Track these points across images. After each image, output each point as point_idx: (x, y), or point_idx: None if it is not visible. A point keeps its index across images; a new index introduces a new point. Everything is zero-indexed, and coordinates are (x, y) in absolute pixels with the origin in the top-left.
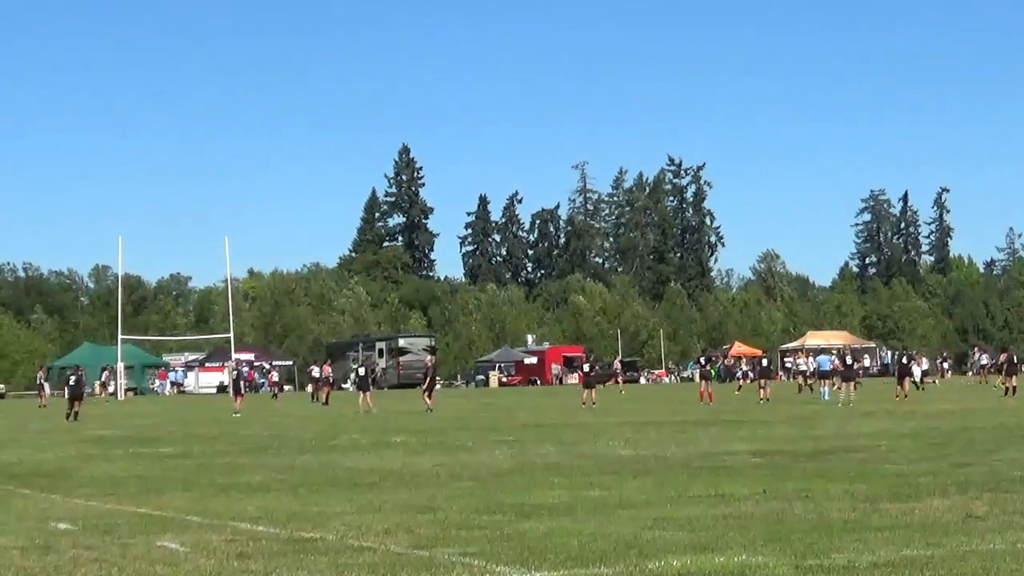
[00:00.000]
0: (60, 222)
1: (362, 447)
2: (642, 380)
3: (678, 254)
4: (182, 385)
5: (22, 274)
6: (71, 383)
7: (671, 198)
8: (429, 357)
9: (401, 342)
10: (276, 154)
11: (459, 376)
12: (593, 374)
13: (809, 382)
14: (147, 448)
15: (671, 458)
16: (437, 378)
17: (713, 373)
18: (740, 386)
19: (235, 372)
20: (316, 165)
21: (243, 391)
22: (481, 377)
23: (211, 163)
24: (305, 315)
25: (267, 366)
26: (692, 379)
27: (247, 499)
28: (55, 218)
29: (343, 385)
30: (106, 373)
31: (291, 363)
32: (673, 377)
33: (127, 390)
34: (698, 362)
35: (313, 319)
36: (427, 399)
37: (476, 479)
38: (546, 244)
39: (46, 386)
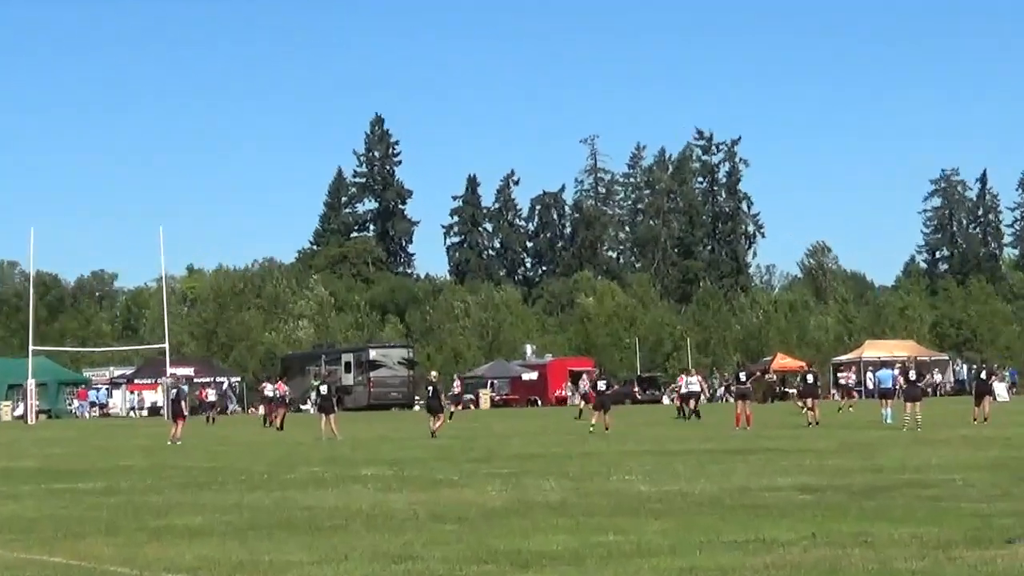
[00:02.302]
0: None
1: (324, 482)
2: (665, 400)
3: (708, 247)
4: (106, 406)
5: None
6: None
7: (700, 179)
8: (434, 373)
9: (372, 354)
10: (221, 129)
11: (443, 395)
12: (608, 392)
13: (850, 402)
14: (63, 483)
15: (700, 495)
16: (417, 398)
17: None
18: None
19: (174, 391)
20: (269, 141)
21: (184, 414)
22: (470, 396)
23: (142, 140)
24: (256, 321)
25: (212, 382)
26: (723, 397)
27: (184, 545)
28: None
29: (302, 406)
30: (14, 392)
31: (239, 379)
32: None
33: (39, 412)
34: (736, 378)
35: (266, 326)
36: (433, 424)
37: (463, 521)
38: (548, 235)
39: None
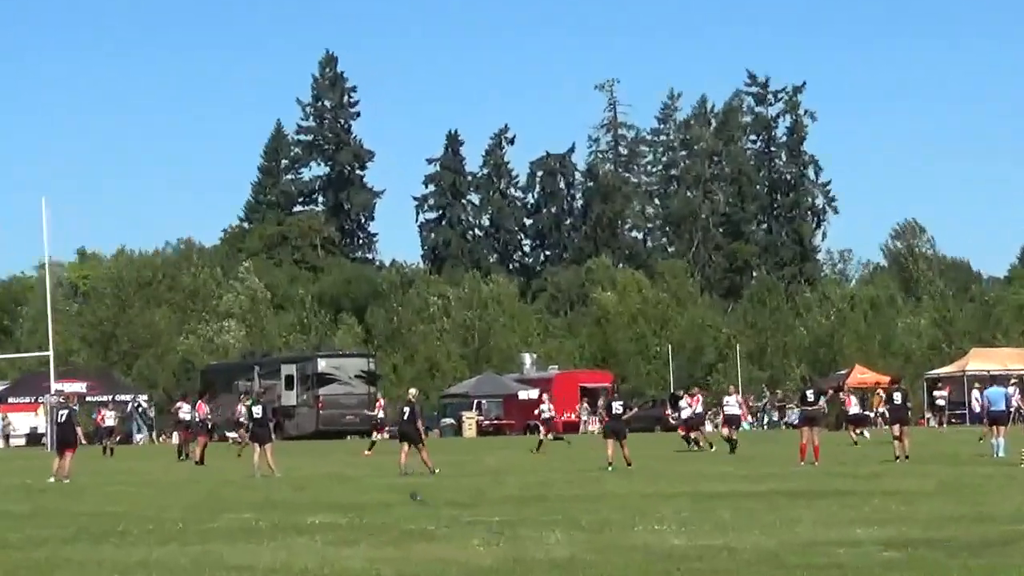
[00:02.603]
0: None
1: (259, 532)
2: (707, 426)
3: (764, 226)
4: None
5: None
6: None
7: (752, 137)
8: (412, 392)
9: (321, 364)
10: (122, 74)
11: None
12: (623, 416)
13: (860, 430)
14: None
15: (753, 551)
16: (380, 427)
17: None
18: (858, 432)
19: (62, 413)
20: (186, 88)
21: (74, 443)
22: (449, 420)
23: (20, 90)
24: (169, 321)
25: (110, 401)
26: (778, 419)
27: None
28: None
29: (229, 433)
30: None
31: (146, 397)
32: (755, 421)
33: None
34: (802, 398)
35: (182, 328)
36: (404, 456)
37: None
38: (553, 209)
39: None
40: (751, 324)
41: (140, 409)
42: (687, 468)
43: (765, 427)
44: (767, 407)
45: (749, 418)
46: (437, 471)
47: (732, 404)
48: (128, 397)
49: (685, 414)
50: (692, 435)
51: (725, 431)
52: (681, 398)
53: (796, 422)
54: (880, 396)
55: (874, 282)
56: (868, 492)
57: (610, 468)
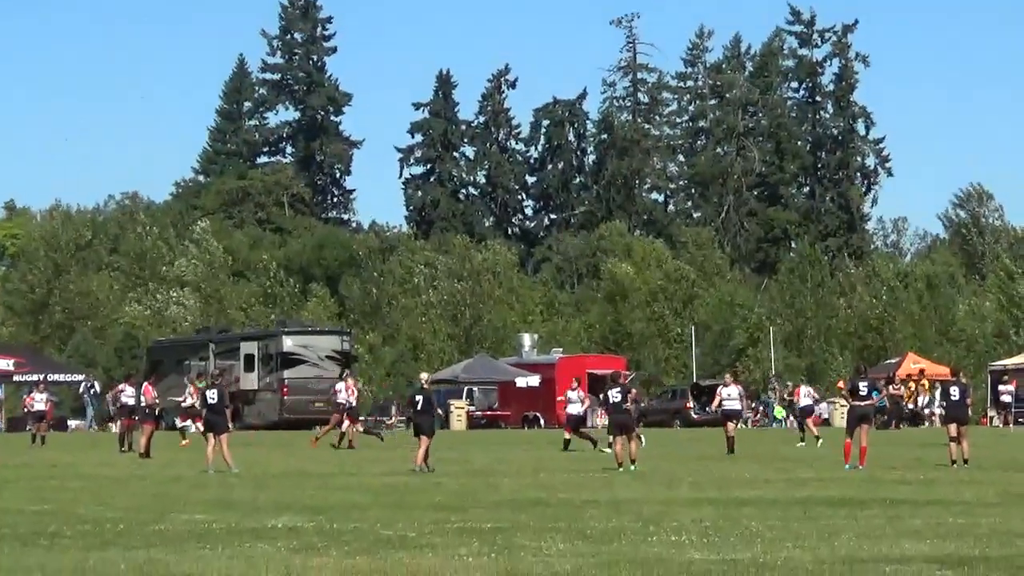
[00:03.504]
0: None
1: (212, 536)
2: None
3: (805, 189)
4: None
5: None
6: None
7: (794, 85)
8: (424, 376)
9: (287, 342)
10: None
11: (395, 407)
12: (628, 406)
13: (815, 432)
14: None
15: (787, 567)
16: (358, 414)
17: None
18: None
19: None
20: (135, 17)
21: None
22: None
23: None
24: (110, 289)
25: (41, 382)
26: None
27: None
28: None
29: (178, 421)
30: None
31: (83, 378)
32: (789, 419)
33: None
34: (853, 391)
35: (126, 296)
36: (420, 454)
37: None
38: (560, 166)
39: None
40: (788, 304)
41: (93, 391)
42: (711, 470)
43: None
44: (772, 400)
45: (749, 412)
46: (433, 470)
47: (732, 396)
48: (61, 377)
49: (734, 405)
50: (727, 430)
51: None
52: (705, 388)
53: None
54: (924, 386)
55: (932, 257)
56: (920, 501)
57: (620, 469)
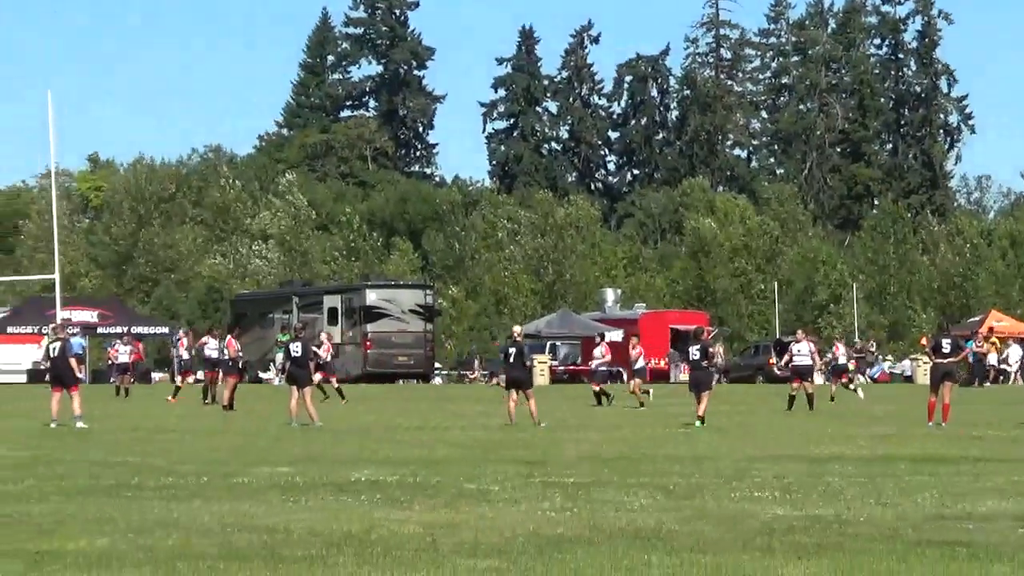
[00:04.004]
0: None
1: (295, 490)
2: (817, 378)
3: (888, 145)
4: None
5: None
6: None
7: (876, 42)
8: (517, 329)
9: (370, 296)
10: None
11: (478, 361)
12: (707, 364)
13: (857, 383)
14: None
15: (867, 524)
16: (438, 366)
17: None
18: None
19: (54, 346)
20: None
21: (77, 379)
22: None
23: None
24: (194, 242)
25: (125, 334)
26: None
27: None
28: None
29: (261, 374)
30: None
31: (166, 331)
32: (865, 373)
33: None
34: (936, 347)
35: (209, 249)
36: (532, 406)
37: (505, 555)
38: (643, 121)
39: None
40: (871, 260)
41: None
42: (793, 426)
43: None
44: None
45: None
46: (543, 424)
47: (802, 353)
48: (145, 329)
49: (804, 360)
50: (803, 387)
51: (796, 385)
52: (788, 345)
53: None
54: (995, 344)
55: (1015, 215)
56: (1003, 459)
57: (699, 424)
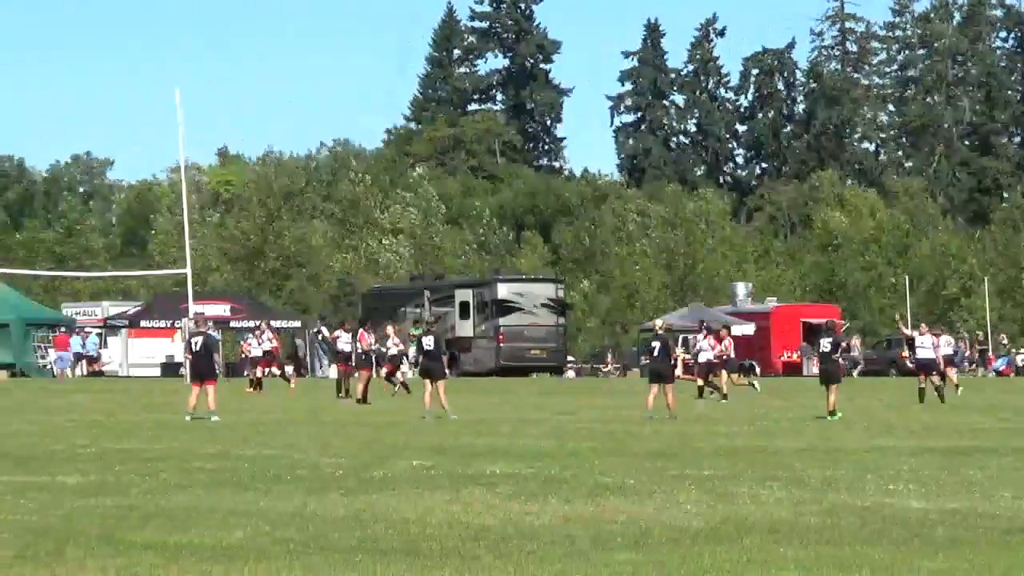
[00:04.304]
0: None
1: (430, 482)
2: (951, 373)
3: (1016, 138)
4: (97, 360)
5: None
6: None
7: (1003, 35)
8: (659, 322)
9: (502, 290)
10: None
11: (610, 354)
12: (836, 357)
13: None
14: (33, 475)
15: (1007, 517)
16: (571, 359)
17: None
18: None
19: (196, 340)
20: None
21: (216, 373)
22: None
23: None
24: (324, 236)
25: (258, 328)
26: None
27: (216, 573)
28: None
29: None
30: None
31: (297, 324)
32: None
33: None
34: None
35: (340, 243)
36: (671, 399)
37: (641, 547)
38: (770, 115)
39: None
40: (1002, 253)
41: (321, 337)
42: (928, 419)
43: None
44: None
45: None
46: (677, 417)
47: (925, 346)
48: (276, 323)
49: (927, 354)
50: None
51: (923, 378)
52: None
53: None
54: None
55: None
56: None
57: (830, 418)
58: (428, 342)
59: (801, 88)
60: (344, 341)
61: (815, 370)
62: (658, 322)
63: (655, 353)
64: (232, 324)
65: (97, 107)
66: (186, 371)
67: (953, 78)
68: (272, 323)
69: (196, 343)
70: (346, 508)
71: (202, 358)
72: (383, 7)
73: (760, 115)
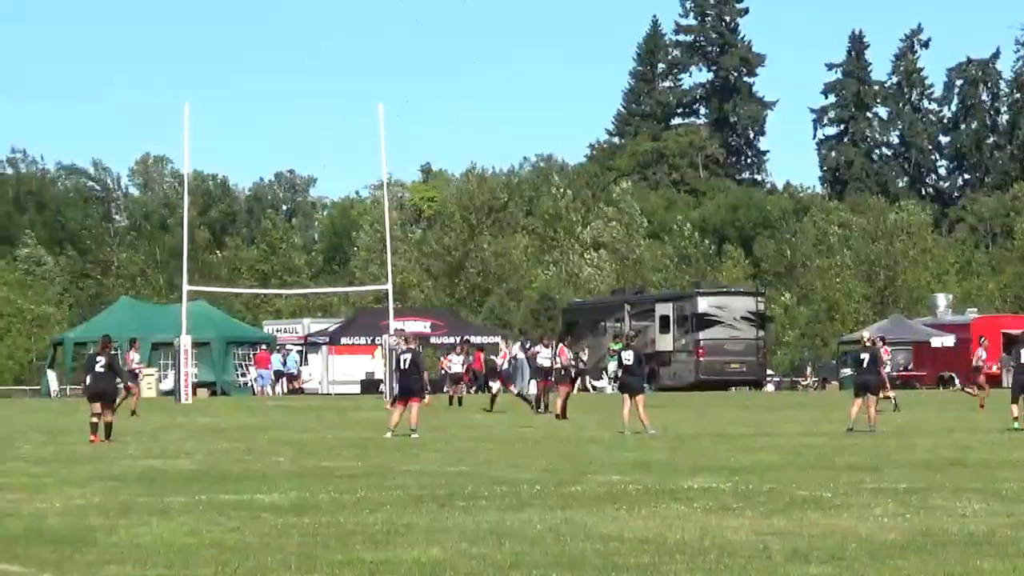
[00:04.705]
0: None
1: (627, 498)
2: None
3: None
4: (298, 378)
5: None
6: (96, 370)
7: None
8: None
9: (703, 304)
10: None
11: (809, 367)
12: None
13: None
14: (233, 493)
15: None
16: (770, 373)
17: None
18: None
19: (405, 358)
20: None
21: (423, 391)
22: (848, 371)
23: None
24: (525, 251)
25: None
26: None
27: None
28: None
29: (594, 382)
30: (160, 354)
31: (498, 340)
32: None
33: (197, 386)
34: None
35: (540, 259)
36: (873, 412)
37: (837, 561)
38: (973, 126)
39: (51, 377)
40: None
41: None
42: None
43: None
44: None
45: None
46: (878, 430)
47: None
48: (477, 339)
49: None
50: None
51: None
52: None
53: None
54: None
55: None
56: None
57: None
58: (627, 356)
59: (1005, 99)
60: (543, 356)
61: (1008, 382)
62: (865, 333)
63: (864, 365)
64: (432, 340)
65: (300, 124)
66: (386, 388)
67: None
68: (471, 339)
69: (405, 360)
70: (543, 524)
71: (410, 375)
72: (588, 21)
73: (963, 126)
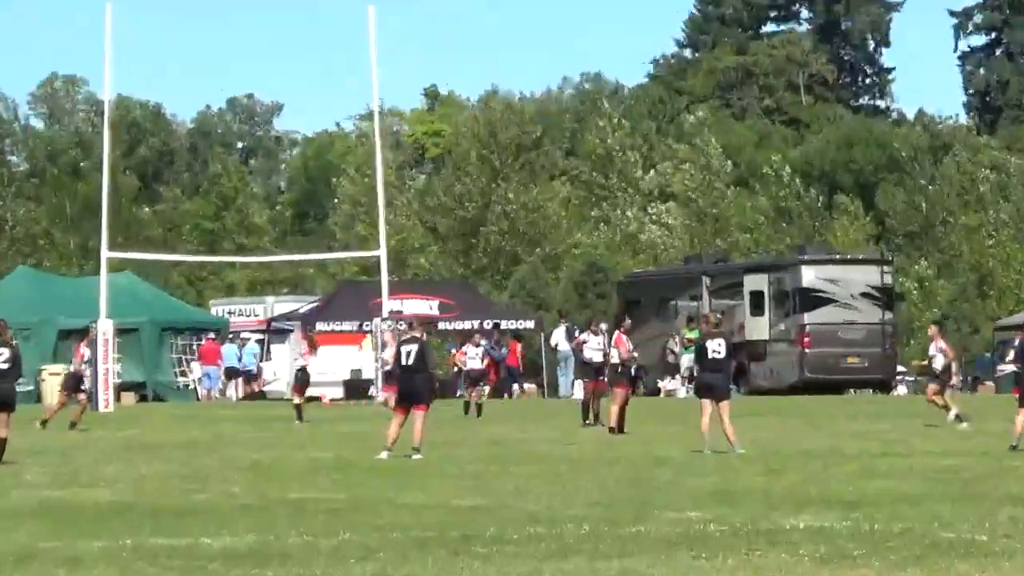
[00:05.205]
0: None
1: (707, 541)
2: None
3: None
4: (257, 377)
5: None
6: None
7: None
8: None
9: (807, 275)
10: None
11: (956, 363)
12: None
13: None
14: (170, 536)
15: None
16: (901, 370)
17: None
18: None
19: (409, 351)
20: None
21: (429, 396)
22: (1011, 367)
23: None
24: (566, 204)
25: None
26: None
27: None
28: None
29: (660, 382)
30: (69, 346)
31: (531, 325)
32: None
33: (122, 389)
34: None
35: (584, 215)
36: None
37: None
38: None
39: None
40: None
41: (574, 338)
42: None
43: None
44: None
45: None
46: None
47: None
48: (503, 323)
49: None
50: None
51: None
52: None
53: None
54: None
55: None
56: None
57: None
58: (717, 347)
59: None
60: (593, 347)
61: None
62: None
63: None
64: (440, 325)
65: (262, 34)
66: (377, 386)
67: None
68: (489, 323)
69: (408, 353)
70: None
71: (415, 373)
72: None
73: None
